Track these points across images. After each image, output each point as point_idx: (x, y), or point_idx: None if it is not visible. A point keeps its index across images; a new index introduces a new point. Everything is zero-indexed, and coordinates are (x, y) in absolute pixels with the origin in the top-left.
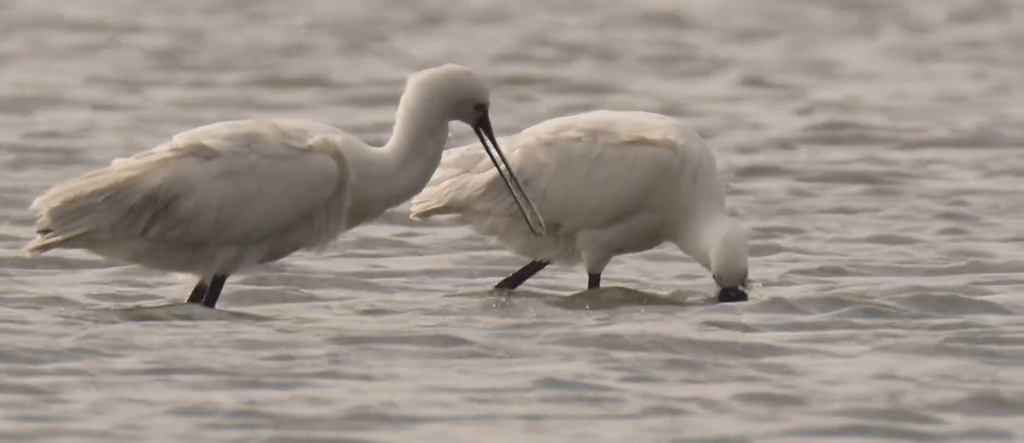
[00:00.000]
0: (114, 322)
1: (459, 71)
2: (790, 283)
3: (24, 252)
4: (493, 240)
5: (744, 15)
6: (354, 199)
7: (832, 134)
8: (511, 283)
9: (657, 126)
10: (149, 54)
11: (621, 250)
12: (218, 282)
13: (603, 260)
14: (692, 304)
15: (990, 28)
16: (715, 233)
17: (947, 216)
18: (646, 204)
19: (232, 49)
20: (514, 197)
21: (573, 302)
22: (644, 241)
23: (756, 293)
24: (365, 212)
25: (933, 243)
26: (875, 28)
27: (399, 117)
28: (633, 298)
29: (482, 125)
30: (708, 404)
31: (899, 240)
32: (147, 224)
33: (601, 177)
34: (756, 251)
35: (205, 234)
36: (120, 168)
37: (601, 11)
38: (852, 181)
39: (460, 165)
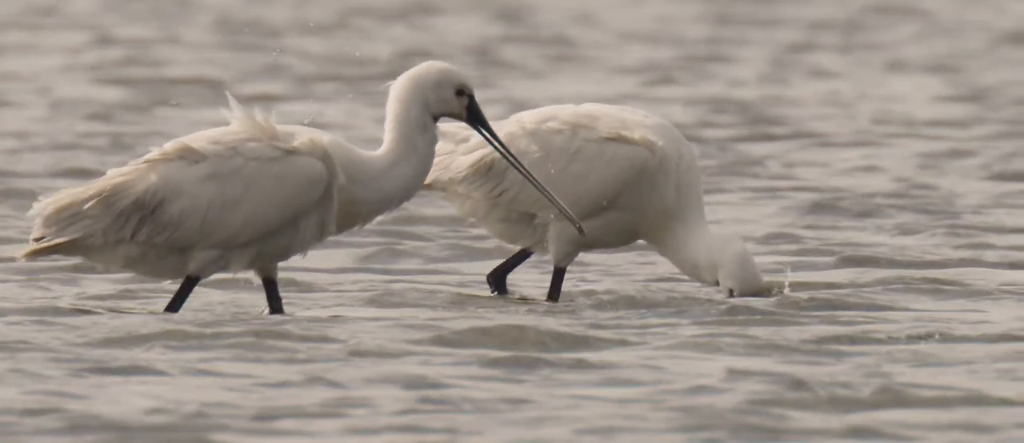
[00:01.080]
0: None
1: (426, 64)
2: (645, 280)
3: (19, 257)
4: (471, 221)
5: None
6: (344, 201)
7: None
8: (501, 273)
9: (640, 124)
10: None
11: (592, 246)
12: (189, 283)
13: (571, 255)
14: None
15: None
16: (720, 253)
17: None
18: (621, 202)
19: None
20: (517, 169)
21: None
22: (617, 239)
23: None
24: (355, 215)
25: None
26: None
27: (386, 123)
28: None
29: (474, 116)
30: (575, 401)
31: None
32: (135, 228)
33: (578, 171)
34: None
35: (192, 238)
36: (113, 174)
37: None
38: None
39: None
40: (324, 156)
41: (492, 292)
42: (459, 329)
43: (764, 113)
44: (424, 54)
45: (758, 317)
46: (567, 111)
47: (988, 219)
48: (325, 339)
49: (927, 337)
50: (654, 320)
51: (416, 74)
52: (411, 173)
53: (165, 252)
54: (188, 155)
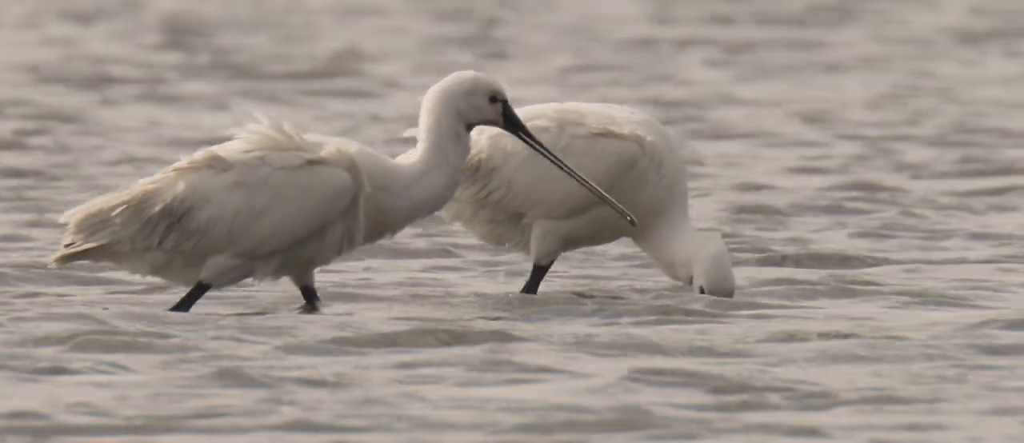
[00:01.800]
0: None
1: (459, 73)
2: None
3: (49, 263)
4: (457, 225)
5: None
6: (373, 210)
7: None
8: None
9: (628, 120)
10: None
11: (578, 243)
12: (200, 289)
13: (554, 253)
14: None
15: None
16: (696, 250)
17: None
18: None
19: None
20: (574, 176)
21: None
22: (603, 235)
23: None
24: (385, 224)
25: None
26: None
27: (419, 133)
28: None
29: (510, 120)
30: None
31: None
32: (163, 235)
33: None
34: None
35: (218, 246)
36: (144, 182)
37: None
38: None
39: None
40: (351, 166)
41: None
42: (369, 328)
43: (701, 114)
44: (361, 53)
45: (678, 316)
46: (553, 109)
47: (918, 221)
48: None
49: (842, 336)
50: (572, 319)
51: (447, 84)
52: (442, 183)
53: (191, 259)
54: (216, 164)
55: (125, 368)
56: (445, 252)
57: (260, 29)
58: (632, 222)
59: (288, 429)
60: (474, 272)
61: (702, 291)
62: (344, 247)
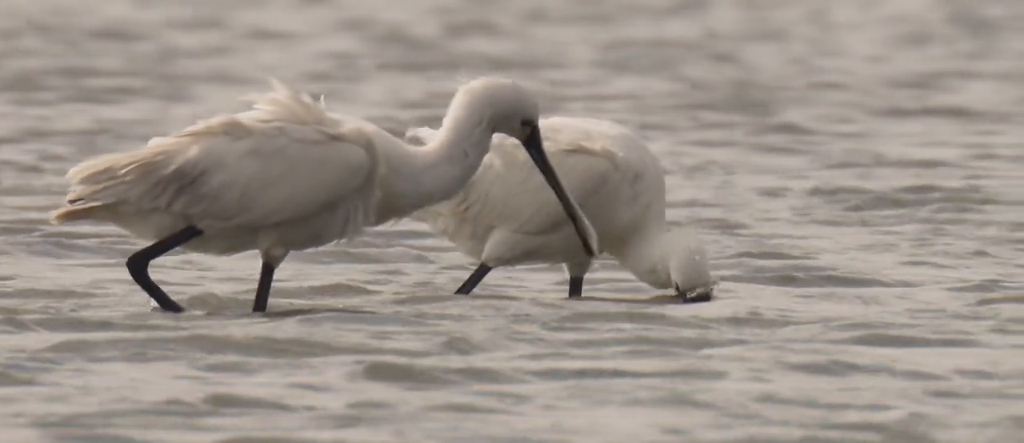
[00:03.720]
0: None
1: (506, 84)
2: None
3: (52, 218)
4: (445, 240)
5: None
6: (384, 193)
7: None
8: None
9: (604, 135)
10: None
11: (548, 260)
12: (267, 275)
13: (503, 261)
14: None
15: None
16: (671, 247)
17: None
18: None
19: None
20: (569, 214)
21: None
22: (571, 254)
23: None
24: (394, 208)
25: None
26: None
27: (445, 121)
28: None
29: (531, 142)
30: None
31: None
32: (172, 197)
33: (539, 182)
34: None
35: (228, 212)
36: (156, 144)
37: None
38: None
39: None
40: (368, 145)
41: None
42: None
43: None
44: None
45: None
46: None
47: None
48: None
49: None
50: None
51: (490, 89)
52: (454, 175)
53: (198, 224)
54: (233, 130)
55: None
56: None
57: None
58: (590, 252)
59: None
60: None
61: (678, 291)
62: (350, 227)
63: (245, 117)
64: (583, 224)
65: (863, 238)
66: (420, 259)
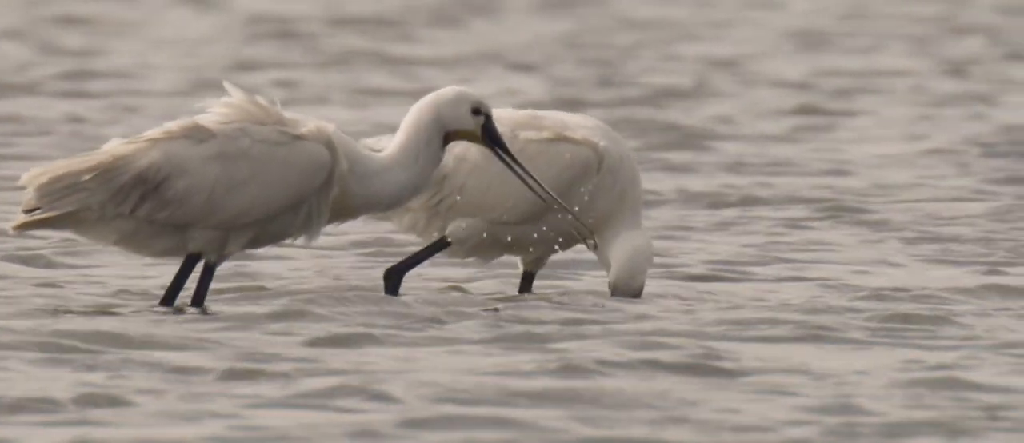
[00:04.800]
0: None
1: (449, 86)
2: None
3: (9, 230)
4: (412, 236)
5: None
6: (339, 190)
7: None
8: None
9: (582, 126)
10: None
11: (512, 250)
12: (208, 273)
13: (468, 246)
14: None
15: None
16: (619, 246)
17: None
18: (558, 206)
19: None
20: (553, 203)
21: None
22: (554, 244)
23: None
24: (346, 207)
25: None
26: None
27: (398, 131)
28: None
29: (489, 135)
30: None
31: None
32: (136, 203)
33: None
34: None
35: (194, 216)
36: (111, 148)
37: None
38: None
39: None
40: (329, 143)
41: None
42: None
43: None
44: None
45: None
46: (509, 114)
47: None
48: None
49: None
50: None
51: (434, 95)
52: (404, 181)
53: (162, 229)
54: (195, 133)
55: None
56: None
57: None
58: (593, 246)
59: None
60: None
61: (611, 289)
62: (312, 224)
63: (206, 120)
64: (570, 211)
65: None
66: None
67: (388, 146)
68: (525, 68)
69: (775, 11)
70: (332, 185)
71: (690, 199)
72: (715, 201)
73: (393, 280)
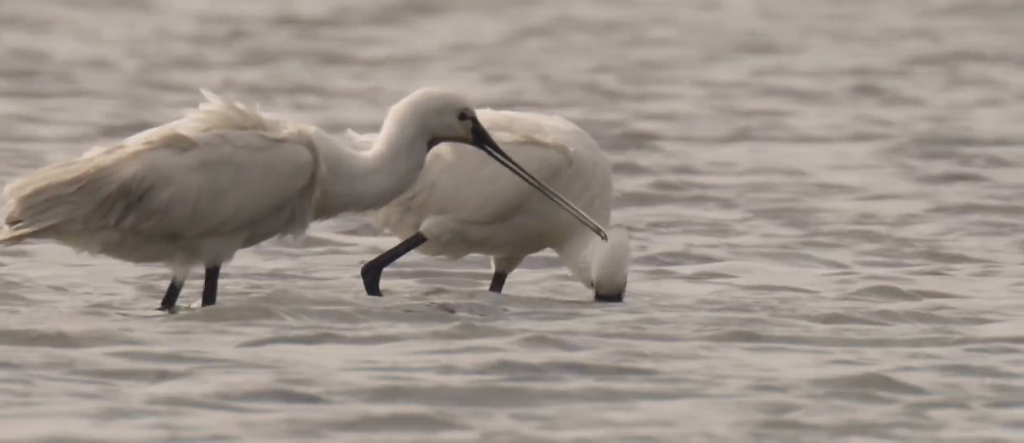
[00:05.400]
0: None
1: (431, 90)
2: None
3: None
4: (386, 231)
5: None
6: (322, 191)
7: None
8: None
9: (556, 129)
10: None
11: (496, 251)
12: (213, 275)
13: (441, 242)
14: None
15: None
16: (597, 244)
17: None
18: (530, 206)
19: None
20: (558, 201)
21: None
22: (525, 246)
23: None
24: (328, 206)
25: None
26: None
27: (380, 134)
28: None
29: (479, 137)
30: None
31: None
32: (120, 215)
33: (489, 174)
34: None
35: (180, 225)
36: (91, 159)
37: None
38: None
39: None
40: (310, 145)
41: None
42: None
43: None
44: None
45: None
46: (486, 114)
47: None
48: None
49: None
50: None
51: (417, 100)
52: (384, 186)
53: (149, 239)
54: (176, 143)
55: None
56: None
57: None
58: (604, 237)
59: None
60: None
61: (593, 288)
62: (296, 224)
63: (185, 128)
64: (571, 207)
65: None
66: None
67: (373, 145)
68: (467, 69)
69: (714, 12)
70: (315, 186)
71: (623, 200)
72: (646, 200)
73: (370, 276)
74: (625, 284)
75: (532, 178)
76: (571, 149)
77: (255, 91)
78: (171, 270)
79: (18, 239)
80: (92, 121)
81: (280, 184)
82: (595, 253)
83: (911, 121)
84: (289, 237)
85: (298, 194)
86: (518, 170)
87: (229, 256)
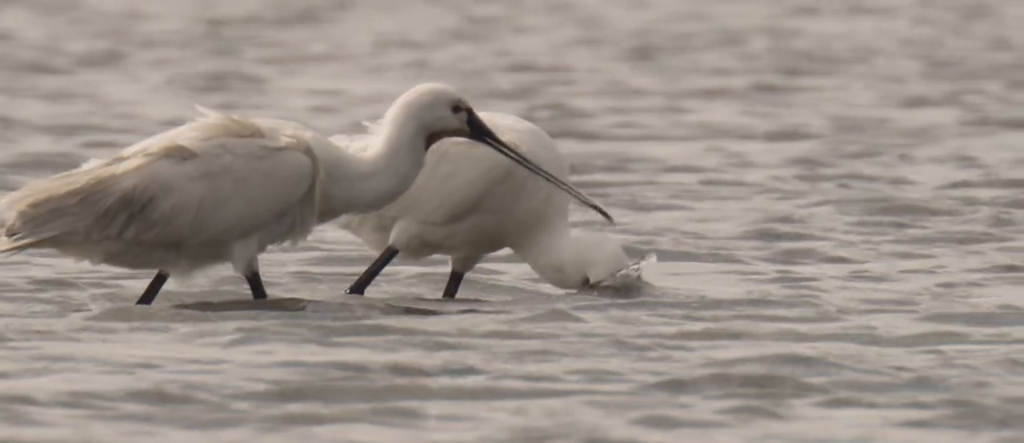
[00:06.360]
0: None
1: (422, 86)
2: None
3: None
4: (349, 233)
5: None
6: (322, 195)
7: None
8: (362, 284)
9: (511, 128)
10: None
11: (455, 250)
12: (254, 279)
13: (410, 250)
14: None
15: None
16: (593, 249)
17: None
18: (487, 205)
19: None
20: (564, 189)
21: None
22: (482, 245)
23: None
24: (328, 209)
25: None
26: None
27: (379, 137)
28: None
29: (476, 129)
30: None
31: None
32: (122, 226)
33: (445, 172)
34: None
35: (182, 235)
36: (90, 170)
37: None
38: None
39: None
40: (308, 151)
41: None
42: None
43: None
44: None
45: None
46: None
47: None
48: None
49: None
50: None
51: (410, 98)
52: (384, 188)
53: (151, 248)
54: (176, 153)
55: None
56: None
57: None
58: (609, 219)
59: None
60: None
61: (589, 284)
62: (298, 230)
63: (185, 138)
64: (578, 193)
65: None
66: None
67: (371, 149)
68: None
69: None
70: (315, 192)
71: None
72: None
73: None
74: (624, 262)
75: (539, 168)
76: (523, 148)
77: None
78: (174, 277)
79: (18, 250)
80: None
81: (281, 192)
82: (600, 263)
83: (820, 119)
84: (288, 243)
85: (298, 201)
86: (522, 160)
87: (255, 258)
